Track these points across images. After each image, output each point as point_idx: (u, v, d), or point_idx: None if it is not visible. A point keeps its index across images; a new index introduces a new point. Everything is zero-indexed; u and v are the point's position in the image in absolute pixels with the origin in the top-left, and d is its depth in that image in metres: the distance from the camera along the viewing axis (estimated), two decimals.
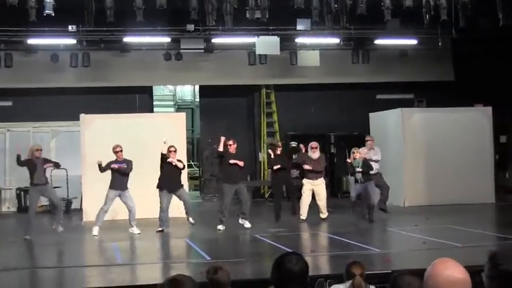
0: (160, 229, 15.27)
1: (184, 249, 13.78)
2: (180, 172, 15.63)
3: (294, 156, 18.07)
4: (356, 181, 16.17)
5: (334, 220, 16.57)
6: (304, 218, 16.48)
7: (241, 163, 15.67)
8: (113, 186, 15.08)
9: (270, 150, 17.25)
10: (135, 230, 15.07)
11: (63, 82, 22.00)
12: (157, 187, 15.39)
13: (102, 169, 14.95)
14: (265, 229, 15.27)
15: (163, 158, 15.40)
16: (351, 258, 8.97)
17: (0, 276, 8.43)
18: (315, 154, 16.79)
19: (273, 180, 17.76)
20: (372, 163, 16.58)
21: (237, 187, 15.73)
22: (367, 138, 17.79)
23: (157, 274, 10.72)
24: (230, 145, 15.82)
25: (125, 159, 15.19)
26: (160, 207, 15.31)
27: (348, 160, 16.44)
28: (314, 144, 17.03)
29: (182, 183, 15.86)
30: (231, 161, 15.59)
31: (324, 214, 16.66)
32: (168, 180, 15.36)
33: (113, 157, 15.20)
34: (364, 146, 17.31)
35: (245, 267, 10.77)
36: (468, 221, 15.40)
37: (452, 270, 2.93)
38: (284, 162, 17.03)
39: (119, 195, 15.12)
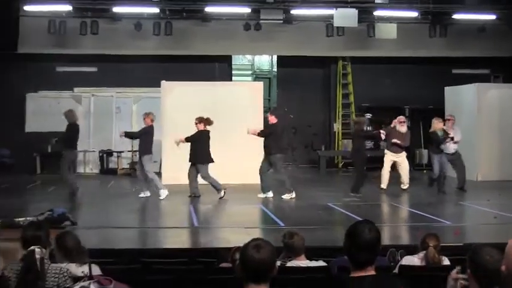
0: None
1: (259, 215, 14.12)
2: None
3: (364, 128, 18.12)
4: (440, 151, 16.33)
5: (407, 192, 16.77)
6: (384, 187, 16.71)
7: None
8: None
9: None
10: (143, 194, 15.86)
11: (146, 50, 22.49)
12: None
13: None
14: (339, 198, 15.56)
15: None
16: (422, 230, 9.18)
17: (82, 233, 8.80)
18: (403, 128, 16.88)
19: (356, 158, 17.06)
20: (451, 144, 16.70)
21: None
22: (448, 117, 17.54)
23: (233, 238, 10.80)
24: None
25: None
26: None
27: (431, 130, 16.57)
28: (402, 118, 17.18)
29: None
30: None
31: (405, 185, 16.87)
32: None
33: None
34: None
35: (318, 234, 10.89)
36: None
37: None
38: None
39: None
